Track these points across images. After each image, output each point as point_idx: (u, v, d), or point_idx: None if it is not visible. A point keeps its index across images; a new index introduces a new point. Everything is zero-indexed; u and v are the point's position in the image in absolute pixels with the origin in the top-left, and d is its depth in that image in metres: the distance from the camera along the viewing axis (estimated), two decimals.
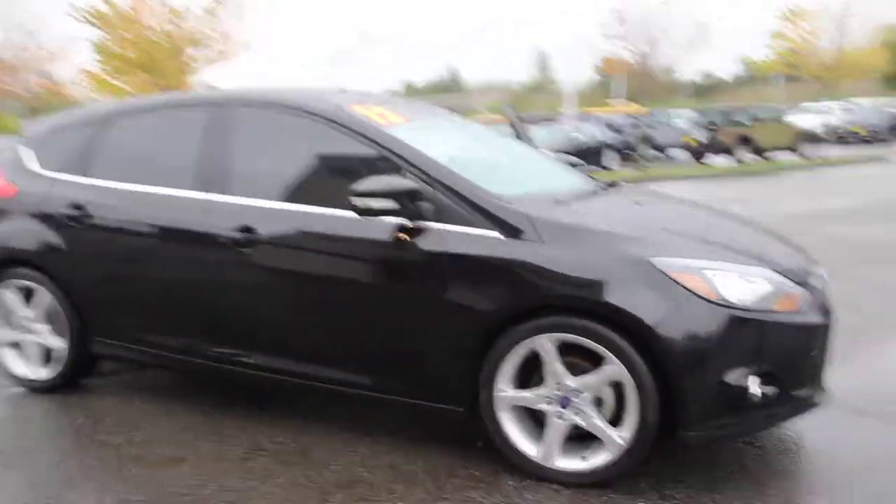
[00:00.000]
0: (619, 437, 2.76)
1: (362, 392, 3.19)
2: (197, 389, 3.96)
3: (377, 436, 3.32)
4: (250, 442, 3.30)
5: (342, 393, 3.26)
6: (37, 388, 3.99)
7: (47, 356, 3.95)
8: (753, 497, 2.77)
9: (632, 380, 2.70)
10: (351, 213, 3.07)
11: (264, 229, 3.23)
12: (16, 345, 4.04)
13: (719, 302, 2.68)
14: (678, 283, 2.69)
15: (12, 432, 3.49)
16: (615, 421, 2.81)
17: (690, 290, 2.68)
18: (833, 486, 2.87)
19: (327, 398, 3.61)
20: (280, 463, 3.10)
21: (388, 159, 3.12)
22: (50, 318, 3.92)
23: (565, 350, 2.81)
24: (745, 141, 20.96)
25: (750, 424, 2.81)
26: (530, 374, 2.92)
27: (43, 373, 3.97)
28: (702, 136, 21.46)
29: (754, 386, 2.70)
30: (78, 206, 3.71)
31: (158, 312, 3.61)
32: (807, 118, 25.79)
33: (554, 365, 2.81)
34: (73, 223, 3.72)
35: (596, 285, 2.73)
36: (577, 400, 2.81)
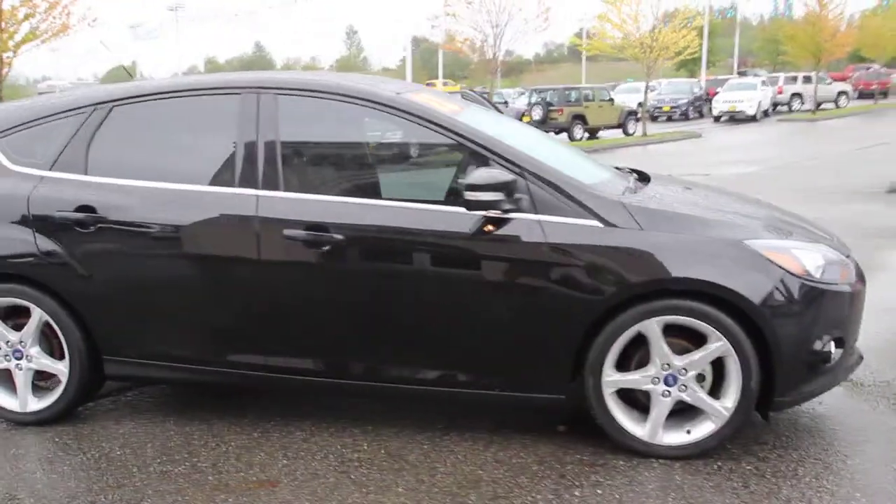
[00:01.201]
0: (723, 407, 2.97)
1: (458, 390, 3.14)
2: (222, 403, 3.65)
3: (458, 432, 3.28)
4: (333, 454, 3.13)
5: (429, 394, 3.18)
6: (27, 422, 3.47)
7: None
8: (822, 449, 3.12)
9: (736, 354, 2.91)
10: (435, 207, 3.05)
11: (342, 228, 3.04)
12: None
13: (807, 278, 2.96)
14: (773, 262, 2.93)
15: (42, 478, 3.01)
16: (712, 394, 3.02)
17: (784, 269, 2.93)
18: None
19: (376, 400, 3.52)
20: (384, 471, 2.98)
21: (472, 151, 3.07)
22: (43, 340, 3.43)
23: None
24: (579, 119, 22.41)
25: (824, 385, 3.13)
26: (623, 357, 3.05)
27: (37, 403, 3.46)
28: (539, 115, 22.61)
29: (833, 351, 3.03)
30: (86, 208, 3.24)
31: (197, 323, 3.28)
32: (626, 97, 27.99)
33: (662, 346, 2.96)
34: (80, 228, 3.25)
35: (702, 268, 2.90)
36: (682, 377, 2.98)
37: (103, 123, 3.35)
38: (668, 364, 2.97)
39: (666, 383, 2.99)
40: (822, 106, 29.62)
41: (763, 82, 28.70)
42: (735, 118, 26.93)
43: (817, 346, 2.98)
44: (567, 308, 2.96)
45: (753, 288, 2.88)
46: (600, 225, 2.96)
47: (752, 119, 26.62)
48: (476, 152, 3.07)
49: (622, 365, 3.04)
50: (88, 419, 3.54)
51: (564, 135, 22.32)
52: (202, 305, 3.25)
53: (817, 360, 2.99)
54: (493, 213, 2.92)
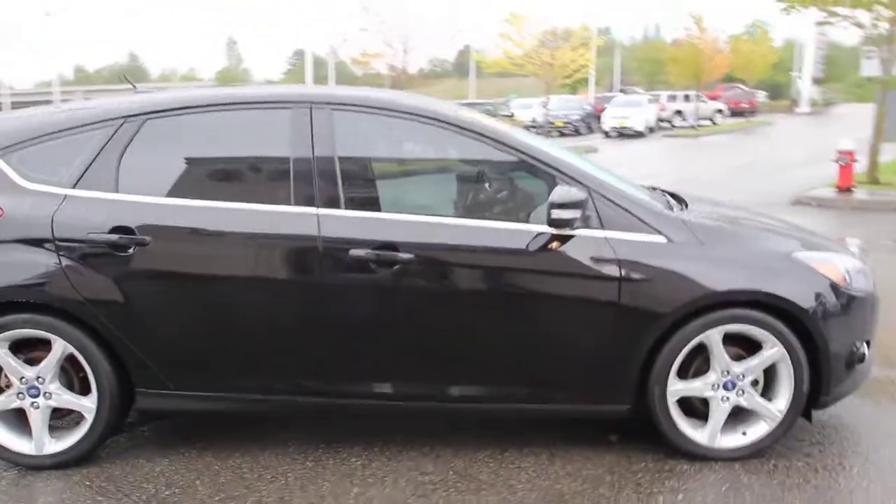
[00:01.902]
0: (777, 409, 3.14)
1: (528, 406, 3.14)
2: (252, 433, 3.44)
3: (516, 448, 3.27)
4: (403, 479, 3.05)
5: (498, 411, 3.17)
6: (43, 466, 3.15)
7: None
8: (854, 443, 3.37)
9: (789, 359, 3.09)
10: (500, 224, 3.07)
11: (411, 246, 2.98)
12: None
13: (846, 286, 3.19)
14: (820, 273, 3.14)
15: None
16: (763, 396, 3.18)
17: (828, 278, 3.14)
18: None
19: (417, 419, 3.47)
20: (464, 492, 2.93)
21: (538, 169, 3.11)
22: (61, 374, 3.13)
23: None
24: None
25: (854, 384, 3.36)
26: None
27: (55, 444, 3.15)
28: None
29: (867, 351, 3.28)
30: (122, 230, 3.00)
31: (250, 349, 3.11)
32: (518, 113, 28.77)
33: (722, 354, 3.09)
34: (116, 251, 3.00)
35: (762, 279, 3.07)
36: (740, 383, 3.13)
37: (135, 137, 3.12)
38: (727, 371, 3.11)
39: (725, 389, 3.13)
40: (701, 122, 31.72)
41: (648, 100, 30.38)
42: (623, 134, 28.26)
43: (855, 347, 3.21)
44: (636, 322, 3.03)
45: (806, 297, 3.07)
46: (664, 241, 3.06)
47: (640, 134, 28.05)
48: (542, 170, 3.10)
49: (680, 374, 3.14)
50: (112, 458, 3.25)
51: None
52: (255, 330, 3.08)
53: (854, 360, 3.22)
54: (570, 232, 2.95)
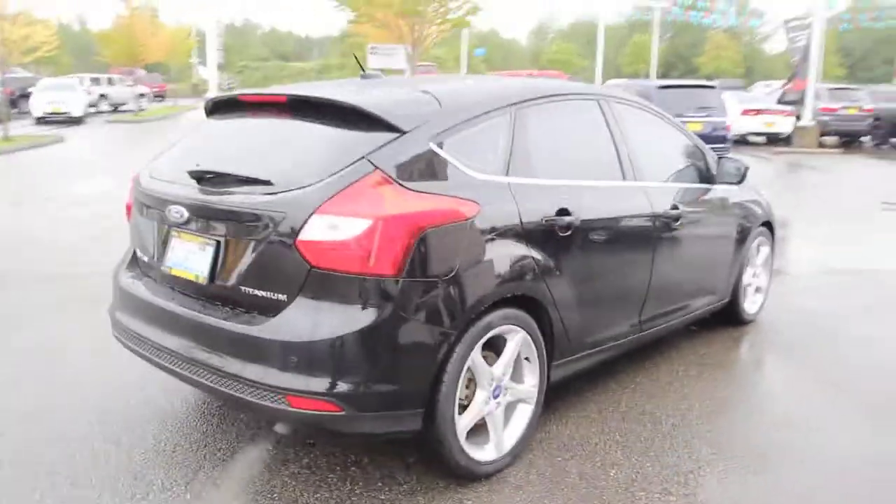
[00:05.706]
0: (763, 273, 5.34)
1: (697, 313, 4.55)
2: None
3: (674, 356, 4.64)
4: (689, 382, 4.14)
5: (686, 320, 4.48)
6: (504, 466, 3.13)
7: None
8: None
9: (768, 243, 5.31)
10: (694, 185, 4.43)
11: (684, 206, 4.11)
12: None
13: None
14: (765, 198, 5.42)
15: None
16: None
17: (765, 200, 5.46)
18: None
19: None
20: (711, 377, 4.23)
21: (697, 146, 4.52)
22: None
23: None
24: None
25: None
26: None
27: (510, 439, 3.15)
28: None
29: None
30: (564, 212, 3.24)
31: (629, 300, 3.80)
32: None
33: (759, 253, 5.11)
34: (561, 232, 3.24)
35: (768, 208, 5.17)
36: (759, 263, 5.21)
37: (527, 123, 3.29)
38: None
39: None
40: (127, 108, 30.89)
41: (80, 82, 27.98)
42: (57, 120, 25.44)
43: None
44: (742, 238, 4.83)
45: (771, 214, 5.30)
46: (738, 188, 4.85)
47: (78, 120, 25.72)
48: (698, 148, 4.52)
49: None
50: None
51: None
52: (635, 283, 3.81)
53: None
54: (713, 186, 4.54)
